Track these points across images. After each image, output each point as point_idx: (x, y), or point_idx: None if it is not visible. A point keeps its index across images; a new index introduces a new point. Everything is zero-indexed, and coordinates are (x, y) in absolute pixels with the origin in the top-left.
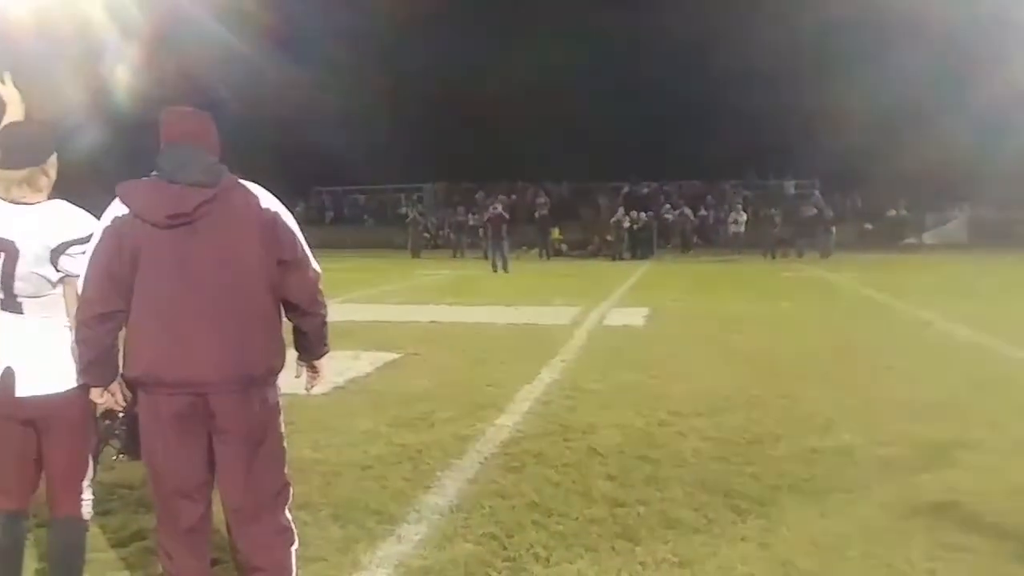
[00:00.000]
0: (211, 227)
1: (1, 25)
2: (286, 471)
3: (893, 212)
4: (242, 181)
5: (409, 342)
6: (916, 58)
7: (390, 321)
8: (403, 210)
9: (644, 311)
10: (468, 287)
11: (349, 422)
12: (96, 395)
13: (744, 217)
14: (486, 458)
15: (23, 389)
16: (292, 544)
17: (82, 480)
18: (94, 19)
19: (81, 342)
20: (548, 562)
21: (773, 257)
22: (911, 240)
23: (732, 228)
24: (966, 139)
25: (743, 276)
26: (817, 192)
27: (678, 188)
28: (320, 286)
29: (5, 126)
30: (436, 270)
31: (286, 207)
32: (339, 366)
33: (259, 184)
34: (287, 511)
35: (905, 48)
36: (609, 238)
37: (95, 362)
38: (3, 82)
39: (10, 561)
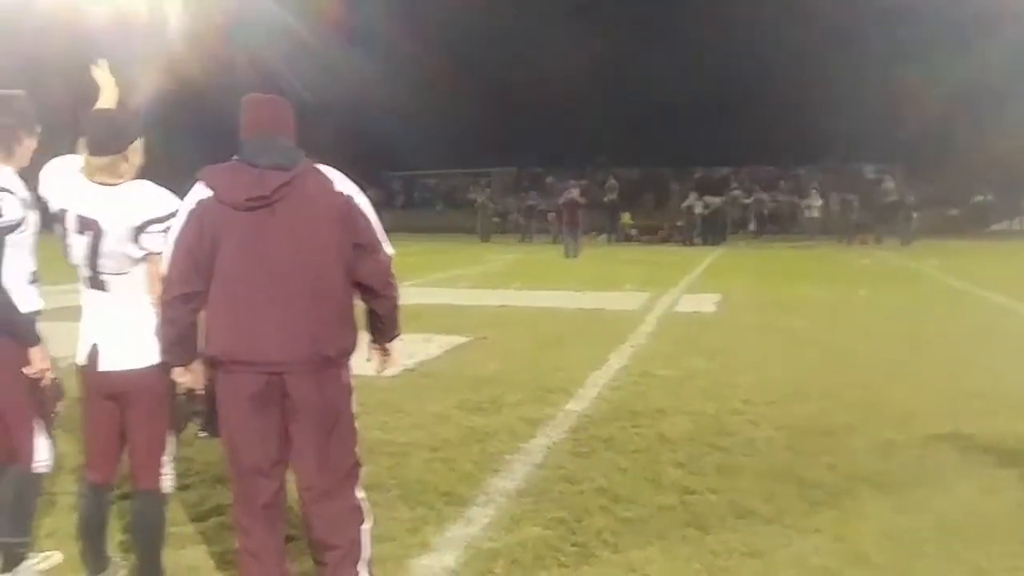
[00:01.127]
0: (288, 209)
1: (87, 16)
2: (357, 451)
3: (980, 197)
4: (318, 165)
5: (478, 326)
6: (1002, 37)
7: (460, 305)
8: (472, 195)
9: (715, 297)
10: (537, 272)
11: (418, 404)
12: (178, 374)
13: (819, 202)
14: (554, 443)
15: (107, 364)
16: (364, 522)
17: (163, 455)
18: (170, 10)
19: (165, 322)
20: (616, 548)
21: (850, 243)
22: (1000, 226)
23: (807, 213)
24: None
25: (819, 263)
26: (891, 176)
27: (752, 173)
28: (392, 269)
29: (92, 113)
30: (505, 254)
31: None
32: (409, 349)
33: (333, 168)
34: (359, 490)
35: (991, 26)
36: (680, 223)
37: (177, 341)
38: (100, 68)
39: (95, 531)
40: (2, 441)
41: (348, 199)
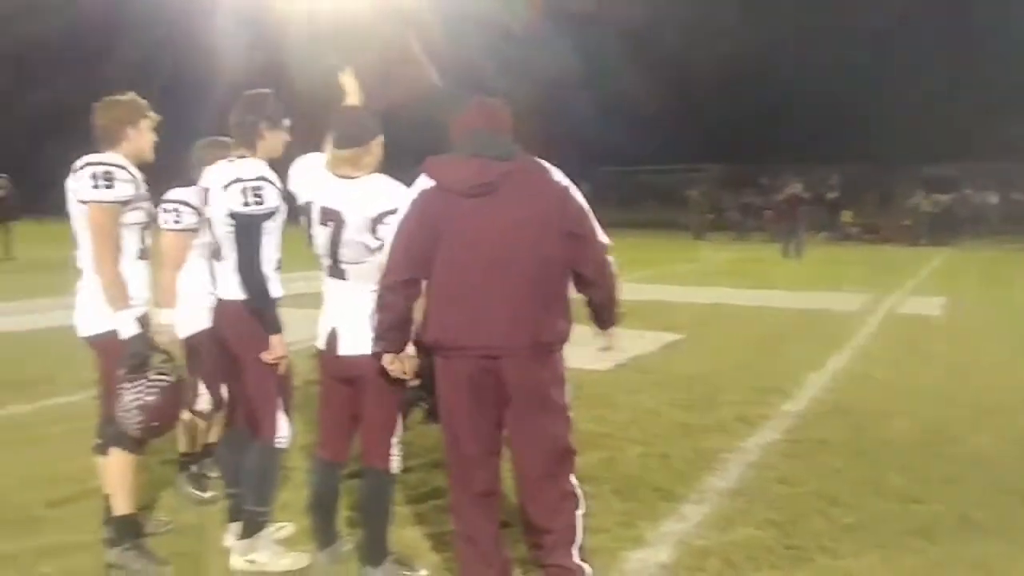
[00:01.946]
0: (507, 199)
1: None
2: (572, 438)
3: None
4: (537, 159)
5: (692, 323)
6: None
7: (673, 302)
8: (687, 191)
9: (941, 300)
10: (753, 270)
11: (632, 399)
12: (387, 360)
13: None
14: (769, 443)
15: (345, 349)
16: (579, 508)
17: (391, 436)
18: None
19: (382, 307)
20: (834, 554)
21: None
22: None
23: None
24: None
25: None
26: None
27: (985, 170)
28: (608, 258)
29: (338, 109)
30: (720, 252)
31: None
32: (623, 344)
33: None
34: (573, 477)
35: None
36: (906, 223)
37: (392, 327)
38: (346, 74)
39: (325, 506)
40: (248, 418)
41: (565, 189)
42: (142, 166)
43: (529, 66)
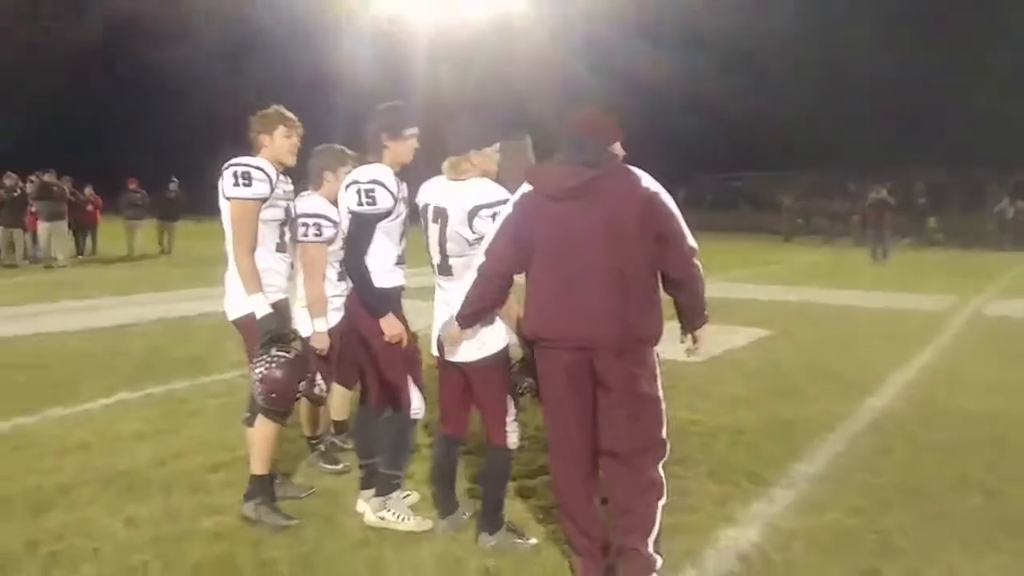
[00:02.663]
0: (594, 203)
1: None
2: (663, 431)
3: None
4: (627, 166)
5: (782, 320)
6: None
7: (763, 300)
8: (778, 197)
9: None
10: (840, 271)
11: (723, 390)
12: (453, 334)
13: None
14: (855, 435)
15: None
16: (660, 499)
17: (504, 415)
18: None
19: (475, 286)
20: (919, 543)
21: None
22: None
23: None
24: None
25: None
26: None
27: None
28: (696, 260)
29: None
30: (808, 255)
31: (668, 191)
32: (716, 339)
33: (646, 170)
34: (660, 467)
35: None
36: (991, 228)
37: (476, 312)
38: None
39: (446, 478)
40: (383, 393)
41: (652, 195)
42: (289, 171)
43: (631, 79)
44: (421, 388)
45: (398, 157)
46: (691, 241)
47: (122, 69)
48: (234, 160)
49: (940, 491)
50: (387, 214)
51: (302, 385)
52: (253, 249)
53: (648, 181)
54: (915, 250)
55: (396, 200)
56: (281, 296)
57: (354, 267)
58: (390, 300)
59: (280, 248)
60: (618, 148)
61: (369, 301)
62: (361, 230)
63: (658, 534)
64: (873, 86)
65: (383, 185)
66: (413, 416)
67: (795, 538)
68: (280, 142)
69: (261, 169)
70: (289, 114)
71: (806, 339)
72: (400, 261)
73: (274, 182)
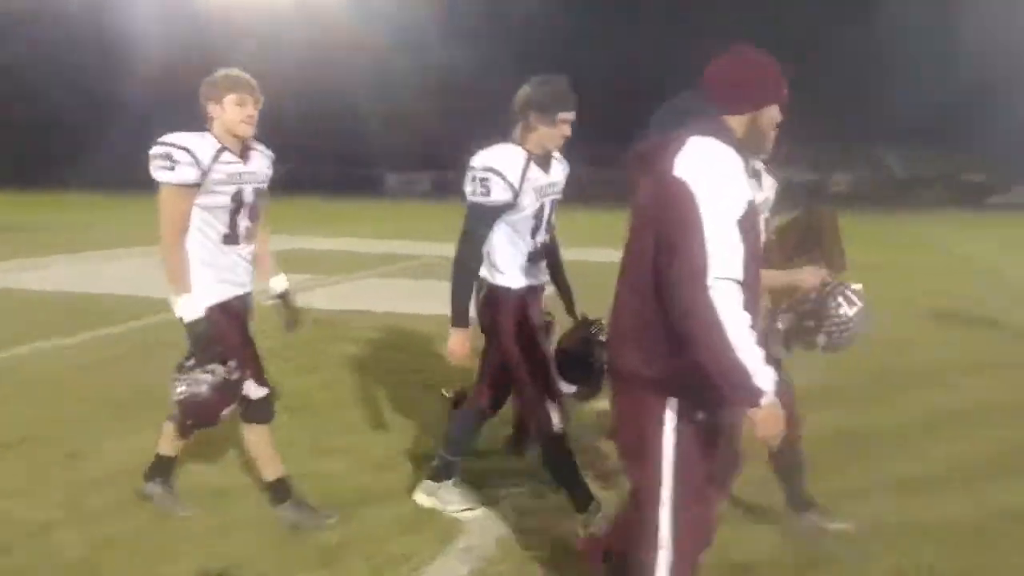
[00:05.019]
0: (644, 184)
1: None
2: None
3: None
4: (702, 136)
5: None
6: None
7: None
8: None
9: None
10: None
11: None
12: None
13: None
14: None
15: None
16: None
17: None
18: None
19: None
20: None
21: None
22: None
23: None
24: None
25: None
26: None
27: None
28: (698, 294)
29: None
30: None
31: None
32: None
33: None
34: None
35: None
36: None
37: None
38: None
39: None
40: (492, 395)
41: (676, 182)
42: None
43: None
44: (556, 399)
45: (543, 142)
46: (700, 263)
47: None
48: (163, 138)
49: None
50: (507, 207)
51: (225, 413)
52: (178, 241)
53: (694, 161)
54: None
55: (517, 192)
56: (238, 292)
57: (461, 261)
58: (502, 304)
59: (229, 240)
60: (735, 119)
61: (452, 302)
62: (472, 221)
63: None
64: None
65: (500, 175)
66: (555, 430)
67: None
68: (232, 112)
69: (187, 150)
70: (243, 77)
71: None
72: (532, 259)
73: (205, 164)
